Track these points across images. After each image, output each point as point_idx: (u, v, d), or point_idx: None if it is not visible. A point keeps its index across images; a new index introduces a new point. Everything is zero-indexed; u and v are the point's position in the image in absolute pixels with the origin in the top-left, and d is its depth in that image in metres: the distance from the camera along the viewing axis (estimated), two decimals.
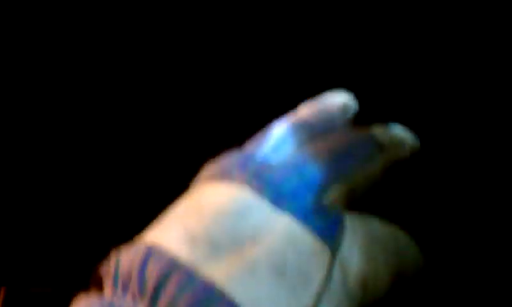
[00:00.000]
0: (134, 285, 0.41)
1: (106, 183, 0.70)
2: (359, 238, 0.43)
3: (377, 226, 0.45)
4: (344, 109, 0.52)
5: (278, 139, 0.49)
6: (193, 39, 0.68)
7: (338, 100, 0.52)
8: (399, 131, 0.50)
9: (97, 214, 0.70)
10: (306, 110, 0.52)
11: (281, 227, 0.42)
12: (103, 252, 0.48)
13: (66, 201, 0.71)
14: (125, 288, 0.42)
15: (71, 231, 0.71)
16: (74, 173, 0.71)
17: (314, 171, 0.45)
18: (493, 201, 0.59)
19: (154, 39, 0.69)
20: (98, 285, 0.46)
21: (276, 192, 0.44)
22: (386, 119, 0.52)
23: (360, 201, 0.47)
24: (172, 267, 0.41)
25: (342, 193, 0.46)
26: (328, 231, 0.43)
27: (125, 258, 0.43)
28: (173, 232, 0.43)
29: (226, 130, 0.66)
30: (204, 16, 0.68)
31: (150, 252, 0.42)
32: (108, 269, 0.44)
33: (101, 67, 0.70)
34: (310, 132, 0.49)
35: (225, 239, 0.42)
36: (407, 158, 0.50)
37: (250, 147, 0.49)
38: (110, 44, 0.70)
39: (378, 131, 0.49)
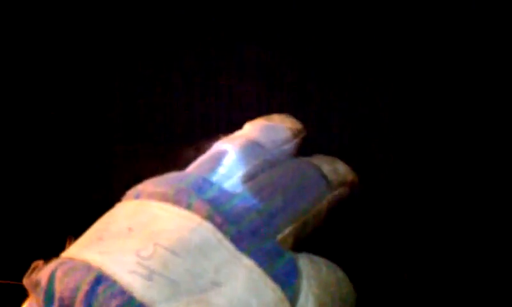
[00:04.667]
0: None
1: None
2: (313, 286, 0.43)
3: (325, 271, 0.45)
4: (294, 133, 0.51)
5: (230, 161, 0.47)
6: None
7: (287, 124, 0.51)
8: (343, 168, 0.51)
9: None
10: (255, 131, 0.50)
11: (243, 274, 0.41)
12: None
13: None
14: None
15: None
16: None
17: (271, 209, 0.45)
18: (431, 237, 0.62)
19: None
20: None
21: (236, 229, 0.43)
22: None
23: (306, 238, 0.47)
24: (127, 303, 0.39)
25: (293, 232, 0.45)
26: (287, 280, 0.42)
27: (66, 277, 0.40)
28: (124, 257, 0.41)
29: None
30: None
31: (100, 279, 0.40)
32: (36, 282, 0.41)
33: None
34: (262, 156, 0.48)
35: (186, 279, 0.40)
36: (348, 194, 0.50)
37: (201, 168, 0.47)
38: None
39: (326, 168, 0.49)
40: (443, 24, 0.60)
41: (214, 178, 0.46)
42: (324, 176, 0.49)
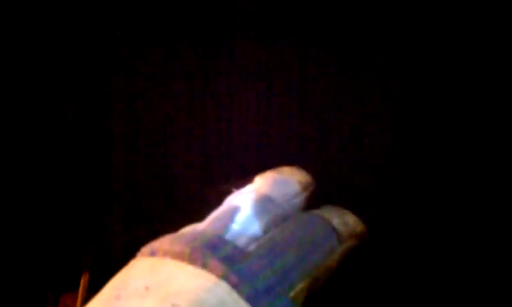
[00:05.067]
0: None
1: None
2: None
3: None
4: (303, 187, 0.52)
5: (243, 217, 0.48)
6: None
7: (296, 177, 0.52)
8: (352, 220, 0.52)
9: None
10: (266, 185, 0.51)
11: None
12: None
13: None
14: None
15: None
16: None
17: (285, 266, 0.46)
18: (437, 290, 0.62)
19: None
20: None
21: (251, 288, 0.44)
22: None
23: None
24: None
25: (306, 287, 0.46)
26: None
27: None
28: None
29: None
30: None
31: None
32: None
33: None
34: (274, 211, 0.49)
35: None
36: (357, 246, 0.51)
37: (215, 225, 0.48)
38: None
39: (336, 221, 0.50)
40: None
41: (228, 236, 0.47)
42: (334, 230, 0.50)
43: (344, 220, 0.51)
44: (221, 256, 0.44)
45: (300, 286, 0.46)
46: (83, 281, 0.62)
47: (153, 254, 0.47)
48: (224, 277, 0.43)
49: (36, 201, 0.69)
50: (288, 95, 0.63)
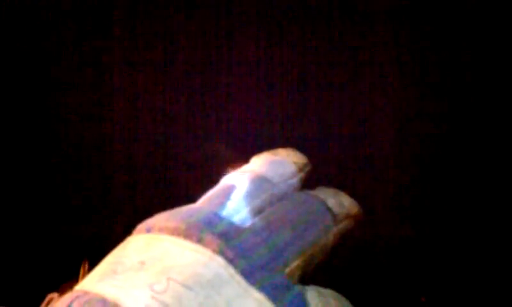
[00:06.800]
0: None
1: None
2: None
3: (333, 304, 0.46)
4: (299, 167, 0.52)
5: (239, 195, 0.48)
6: None
7: (292, 158, 0.53)
8: (347, 201, 0.52)
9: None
10: (262, 165, 0.52)
11: None
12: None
13: None
14: None
15: None
16: None
17: (279, 243, 0.46)
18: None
19: None
20: None
21: (247, 263, 0.44)
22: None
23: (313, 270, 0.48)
24: None
25: (301, 265, 0.47)
26: None
27: None
28: (139, 291, 0.42)
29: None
30: None
31: None
32: None
33: None
34: (269, 190, 0.50)
35: None
36: (353, 227, 0.52)
37: (211, 203, 0.48)
38: None
39: (331, 202, 0.51)
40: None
41: (224, 213, 0.47)
42: (329, 210, 0.50)
43: (339, 201, 0.51)
44: (217, 231, 0.45)
45: (295, 263, 0.46)
46: (83, 270, 0.63)
47: (148, 230, 0.47)
48: (220, 252, 0.44)
49: (37, 195, 0.69)
50: (288, 95, 0.64)
